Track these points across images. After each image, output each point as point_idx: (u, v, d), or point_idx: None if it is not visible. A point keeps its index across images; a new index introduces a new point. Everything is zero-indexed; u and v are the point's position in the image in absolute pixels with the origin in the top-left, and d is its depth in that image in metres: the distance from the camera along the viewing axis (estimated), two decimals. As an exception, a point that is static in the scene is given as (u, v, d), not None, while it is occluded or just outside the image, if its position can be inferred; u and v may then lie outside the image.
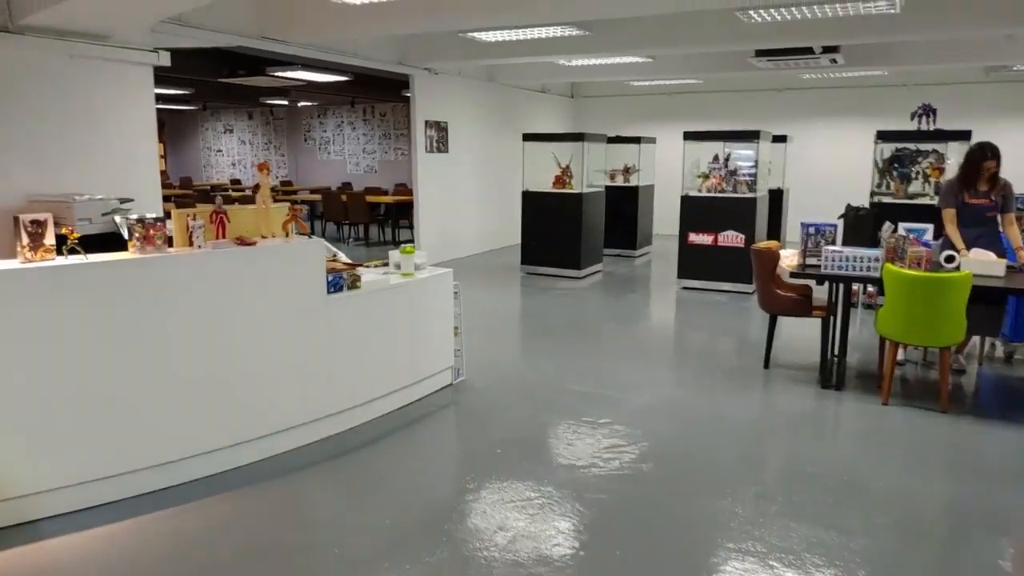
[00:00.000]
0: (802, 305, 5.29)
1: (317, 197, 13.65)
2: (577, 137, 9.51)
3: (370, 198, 12.62)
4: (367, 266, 4.96)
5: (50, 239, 3.31)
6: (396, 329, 4.60)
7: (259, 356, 3.88)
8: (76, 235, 3.39)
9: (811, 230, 5.20)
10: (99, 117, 5.65)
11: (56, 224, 3.40)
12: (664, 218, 12.03)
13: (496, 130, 11.83)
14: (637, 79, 12.10)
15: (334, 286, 4.23)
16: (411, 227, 10.96)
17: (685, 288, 8.72)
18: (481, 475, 3.77)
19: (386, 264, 4.99)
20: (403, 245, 4.94)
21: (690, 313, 7.86)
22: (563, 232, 9.33)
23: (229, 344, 3.75)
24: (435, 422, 4.60)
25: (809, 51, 8.33)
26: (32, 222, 3.27)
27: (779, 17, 6.73)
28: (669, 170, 11.14)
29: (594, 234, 9.66)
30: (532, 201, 9.55)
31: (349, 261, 4.65)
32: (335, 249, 4.72)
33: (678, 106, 13.67)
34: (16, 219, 3.27)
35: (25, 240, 3.26)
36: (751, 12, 6.42)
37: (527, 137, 9.87)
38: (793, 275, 5.15)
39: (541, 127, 12.77)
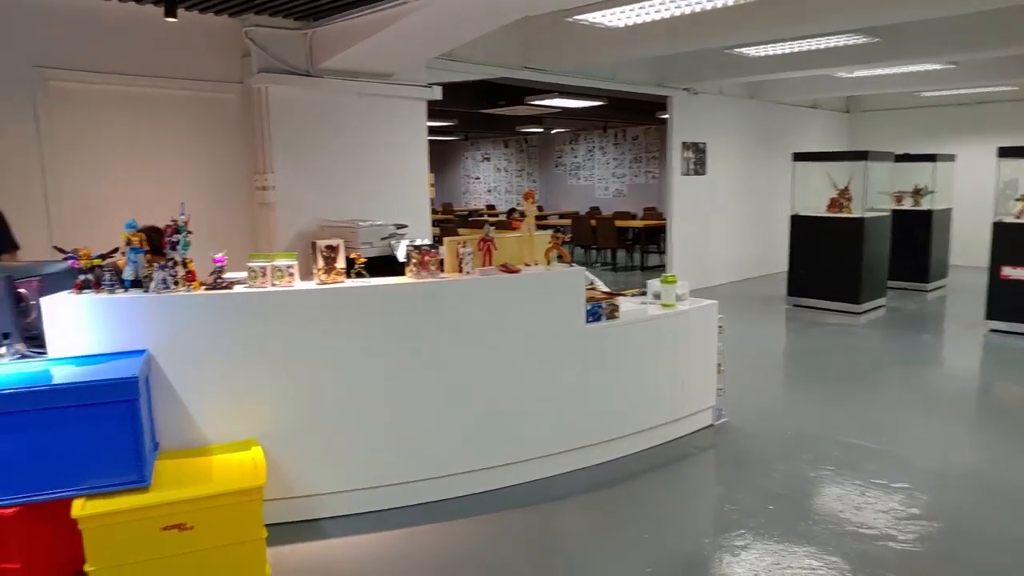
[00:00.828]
0: None
1: (567, 222, 13.87)
2: (859, 156, 8.53)
3: (619, 223, 12.53)
4: (624, 295, 4.77)
5: (341, 263, 3.55)
6: (655, 363, 4.34)
7: (520, 381, 3.86)
8: (363, 260, 3.61)
9: None
10: (379, 149, 6.13)
11: (347, 249, 3.64)
12: (965, 247, 10.47)
13: (758, 150, 11.11)
14: (932, 89, 10.66)
15: (592, 315, 4.09)
16: (660, 252, 10.65)
17: (995, 331, 7.37)
18: (752, 531, 3.37)
19: (643, 293, 4.76)
20: (664, 275, 4.67)
21: (1002, 362, 6.61)
22: (839, 261, 8.37)
23: (493, 368, 3.78)
24: (694, 465, 4.26)
25: None
26: (327, 247, 3.53)
27: None
28: (971, 192, 9.65)
29: (877, 264, 8.57)
30: (803, 226, 8.73)
31: (607, 290, 4.49)
32: (593, 277, 4.59)
33: (984, 118, 11.78)
34: (314, 244, 3.55)
35: (320, 263, 3.52)
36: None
37: (798, 157, 9.06)
38: None
39: (810, 145, 11.73)
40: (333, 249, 3.53)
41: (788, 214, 8.85)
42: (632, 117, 13.60)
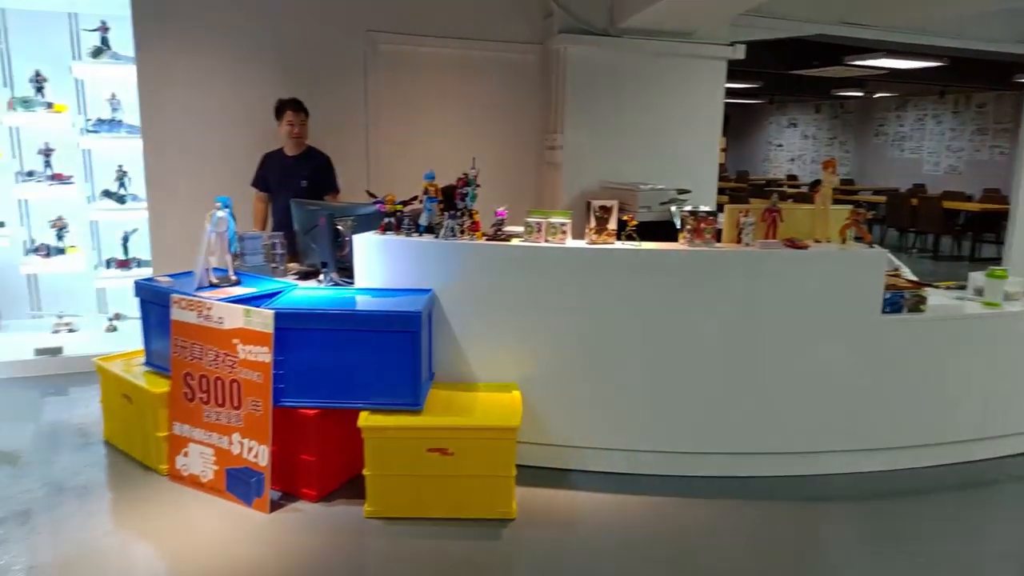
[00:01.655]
0: None
1: (881, 199, 12.38)
2: None
3: (948, 204, 10.85)
4: (936, 287, 4.12)
5: (613, 224, 3.55)
6: (962, 369, 3.71)
7: (795, 367, 3.56)
8: (635, 222, 3.56)
9: None
10: (671, 111, 5.96)
11: (621, 211, 3.62)
12: None
13: None
14: None
15: (891, 305, 3.60)
16: (998, 242, 9.02)
17: None
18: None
19: (962, 287, 4.07)
20: (991, 267, 3.94)
21: None
22: None
23: (766, 349, 3.53)
24: (998, 495, 3.58)
25: None
26: (601, 207, 3.55)
27: None
28: None
29: None
30: None
31: (914, 279, 3.92)
32: (899, 263, 4.04)
33: None
34: (588, 204, 3.59)
35: (592, 223, 3.55)
36: None
37: None
38: None
39: None
40: (606, 210, 3.54)
41: None
42: (979, 82, 11.60)
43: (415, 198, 3.73)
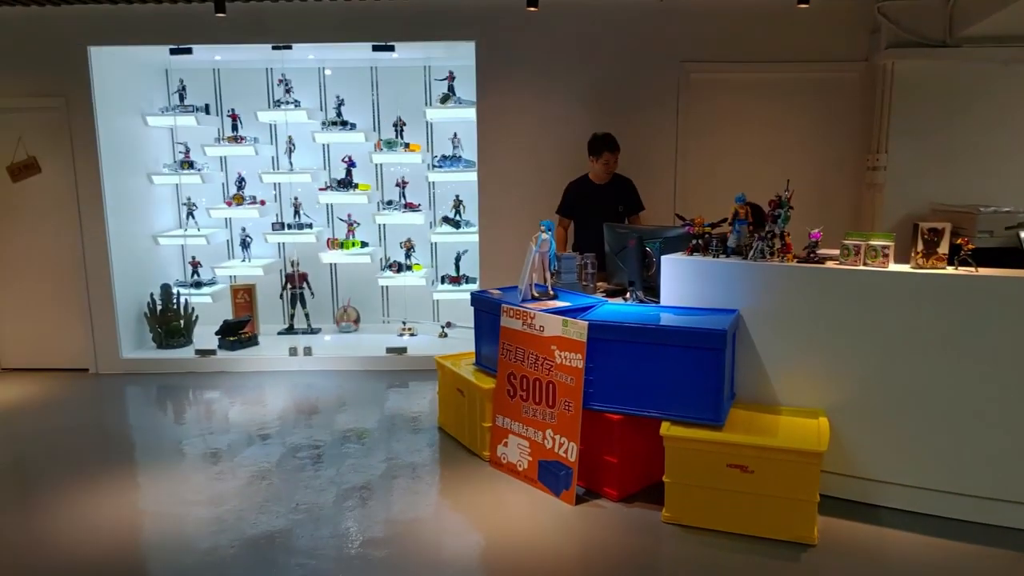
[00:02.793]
0: None
1: None
2: None
3: None
4: None
5: (944, 248, 3.27)
6: None
7: None
8: (971, 246, 3.25)
9: None
10: (1020, 125, 5.24)
11: (954, 234, 3.33)
12: None
13: None
14: None
15: None
16: None
17: None
18: None
19: None
20: None
21: None
22: None
23: None
24: None
25: None
26: (930, 230, 3.30)
27: None
28: None
29: None
30: None
31: None
32: None
33: None
34: (916, 226, 3.35)
35: (920, 247, 3.31)
36: None
37: None
38: None
39: None
40: (937, 232, 3.27)
41: None
42: None
43: (724, 220, 3.80)
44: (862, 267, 3.35)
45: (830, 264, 3.44)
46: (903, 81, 5.27)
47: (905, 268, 3.30)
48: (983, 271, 3.20)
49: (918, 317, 3.23)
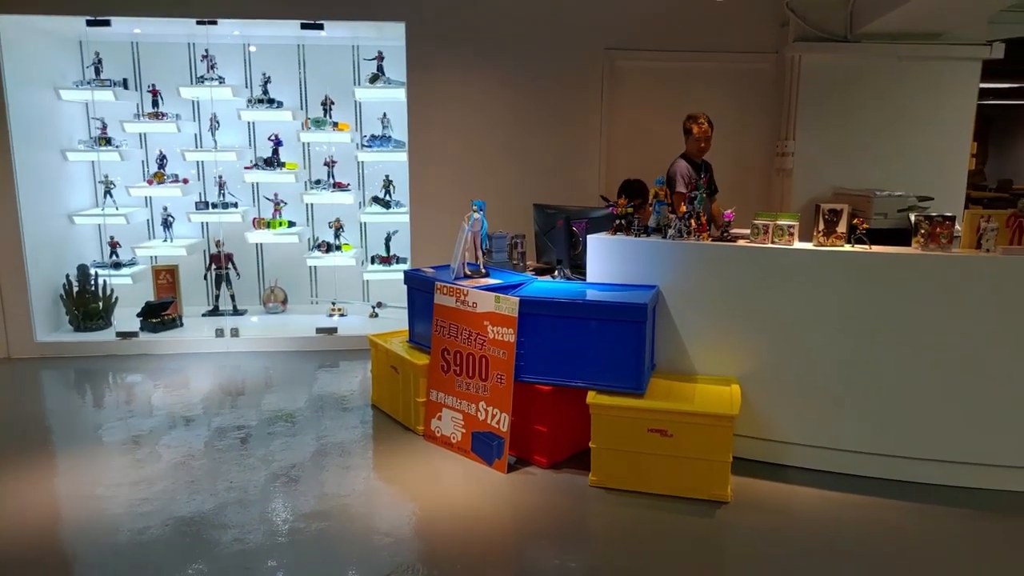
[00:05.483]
0: None
1: None
2: None
3: None
4: None
5: (842, 228, 3.58)
6: None
7: (1040, 385, 3.34)
8: (866, 226, 3.57)
9: None
10: (914, 117, 5.68)
11: (852, 216, 3.64)
12: None
13: None
14: None
15: None
16: None
17: None
18: None
19: None
20: None
21: None
22: None
23: (1003, 359, 3.36)
24: None
25: None
26: (829, 211, 3.59)
27: None
28: None
29: None
30: None
31: None
32: None
33: None
34: (817, 207, 3.65)
35: (820, 226, 3.61)
36: None
37: None
38: None
39: None
40: (835, 213, 3.58)
41: None
42: None
43: (644, 202, 4.02)
44: (770, 245, 3.63)
45: (741, 242, 3.70)
46: (809, 73, 5.62)
47: (808, 246, 3.59)
48: (876, 248, 3.52)
49: (819, 290, 3.54)
